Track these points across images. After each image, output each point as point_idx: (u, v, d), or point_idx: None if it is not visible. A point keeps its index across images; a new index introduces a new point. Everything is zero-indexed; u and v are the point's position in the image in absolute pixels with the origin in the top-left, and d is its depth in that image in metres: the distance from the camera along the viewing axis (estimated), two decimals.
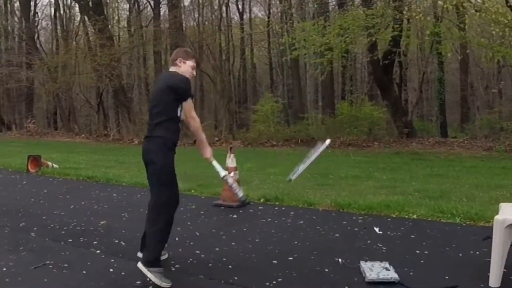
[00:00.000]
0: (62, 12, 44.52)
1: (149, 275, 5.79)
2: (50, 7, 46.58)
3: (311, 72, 32.05)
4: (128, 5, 43.37)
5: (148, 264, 5.86)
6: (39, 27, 46.09)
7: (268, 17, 40.34)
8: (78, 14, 42.95)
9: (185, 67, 6.20)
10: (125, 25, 42.65)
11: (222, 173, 6.31)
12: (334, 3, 29.95)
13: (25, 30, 40.90)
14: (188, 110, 6.06)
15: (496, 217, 5.54)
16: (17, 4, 44.41)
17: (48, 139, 33.01)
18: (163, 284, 5.73)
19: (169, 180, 6.14)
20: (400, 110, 25.18)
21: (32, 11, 42.75)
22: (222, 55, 38.94)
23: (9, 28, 43.69)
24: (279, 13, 36.55)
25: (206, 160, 6.35)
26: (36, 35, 43.18)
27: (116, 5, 44.64)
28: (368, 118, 24.53)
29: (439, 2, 18.03)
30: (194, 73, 6.36)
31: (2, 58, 40.34)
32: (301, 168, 6.44)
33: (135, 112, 35.95)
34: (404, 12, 19.87)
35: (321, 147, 6.56)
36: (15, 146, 25.79)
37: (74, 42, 42.71)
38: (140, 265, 5.91)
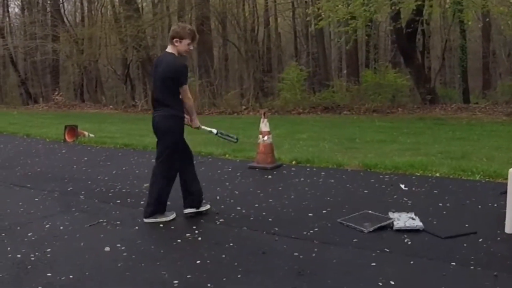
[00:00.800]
0: None
1: (158, 220, 6.90)
2: None
3: (336, 40, 32.25)
4: None
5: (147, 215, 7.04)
6: None
7: None
8: None
9: (181, 46, 6.91)
10: None
11: (214, 130, 7.48)
12: None
13: (50, 2, 41.07)
14: (183, 94, 6.92)
15: (510, 169, 6.05)
16: None
17: (76, 110, 33.22)
18: (170, 217, 6.98)
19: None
20: (423, 77, 25.36)
21: None
22: (247, 25, 39.05)
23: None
24: None
25: (196, 128, 7.41)
26: (61, 7, 43.11)
27: None
28: (392, 85, 24.65)
29: None
30: (191, 47, 7.06)
31: (28, 31, 40.48)
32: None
33: None
34: None
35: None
36: (46, 118, 25.96)
37: (100, 14, 42.91)
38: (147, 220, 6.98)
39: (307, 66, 34.55)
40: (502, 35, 36.40)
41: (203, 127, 7.45)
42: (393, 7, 21.61)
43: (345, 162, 10.47)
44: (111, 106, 34.02)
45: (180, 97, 6.93)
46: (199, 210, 7.26)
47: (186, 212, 7.21)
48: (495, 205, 7.14)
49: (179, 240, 6.25)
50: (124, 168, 11.11)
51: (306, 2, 32.63)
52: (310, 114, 23.51)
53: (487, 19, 28.81)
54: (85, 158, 12.59)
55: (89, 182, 9.69)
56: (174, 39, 6.86)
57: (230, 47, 40.46)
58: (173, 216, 7.04)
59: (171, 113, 6.93)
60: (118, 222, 7.04)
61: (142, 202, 7.93)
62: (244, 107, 26.96)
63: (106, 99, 38.50)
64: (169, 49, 6.97)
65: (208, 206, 7.40)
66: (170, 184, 7.15)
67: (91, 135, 16.51)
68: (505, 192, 6.18)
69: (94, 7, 42.92)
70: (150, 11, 40.39)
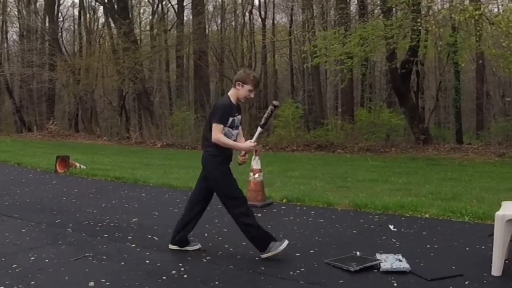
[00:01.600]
0: (87, 14, 44.85)
1: (270, 255, 6.79)
2: (74, 8, 46.87)
3: (331, 79, 32.41)
4: (151, 9, 43.81)
5: (260, 250, 6.89)
6: (62, 28, 46.29)
7: (290, 25, 40.47)
8: (102, 16, 43.34)
9: (242, 91, 6.92)
10: (148, 29, 43.07)
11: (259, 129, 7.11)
12: (355, 12, 30.43)
13: (48, 31, 41.25)
14: (212, 131, 6.85)
15: (497, 213, 6.12)
16: (38, 4, 44.80)
17: (70, 140, 33.32)
18: (282, 246, 6.80)
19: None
20: (417, 117, 25.50)
21: (55, 12, 42.81)
22: (244, 60, 39.29)
23: (33, 27, 43.64)
24: (302, 21, 36.81)
25: (249, 149, 7.08)
26: (59, 36, 43.40)
27: (140, 9, 45.05)
28: (386, 125, 24.82)
29: (453, 15, 18.47)
30: (251, 95, 7.05)
31: (25, 58, 40.54)
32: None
33: (158, 116, 36.33)
34: (421, 23, 20.24)
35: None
36: (39, 147, 26.08)
37: (98, 45, 43.15)
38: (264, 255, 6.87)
39: (303, 103, 34.80)
40: (496, 76, 36.72)
41: (254, 138, 7.17)
42: (388, 47, 21.80)
43: (335, 202, 10.47)
44: (105, 138, 34.09)
45: (232, 134, 7.00)
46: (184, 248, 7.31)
47: (171, 247, 7.25)
48: (483, 247, 7.14)
49: (164, 277, 6.20)
50: (113, 202, 11.10)
51: (303, 40, 32.82)
52: (304, 151, 23.60)
53: (481, 61, 29.03)
54: (75, 190, 12.59)
55: (78, 215, 9.66)
56: (237, 82, 6.92)
57: (227, 82, 40.65)
58: (285, 243, 6.90)
59: (207, 152, 7.03)
60: (104, 257, 6.99)
61: (129, 237, 7.94)
62: None
63: (101, 130, 38.63)
64: (230, 91, 7.06)
65: (198, 246, 7.41)
66: (249, 214, 7.08)
67: (82, 166, 16.54)
68: (493, 235, 6.20)
69: (93, 37, 43.25)
70: (148, 44, 40.69)
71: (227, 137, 6.87)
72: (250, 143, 6.99)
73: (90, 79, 38.05)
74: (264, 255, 6.81)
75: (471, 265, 6.43)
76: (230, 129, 6.92)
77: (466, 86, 37.54)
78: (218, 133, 6.77)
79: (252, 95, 7.06)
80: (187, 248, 7.30)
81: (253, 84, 6.91)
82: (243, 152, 7.08)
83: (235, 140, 7.05)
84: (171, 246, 7.28)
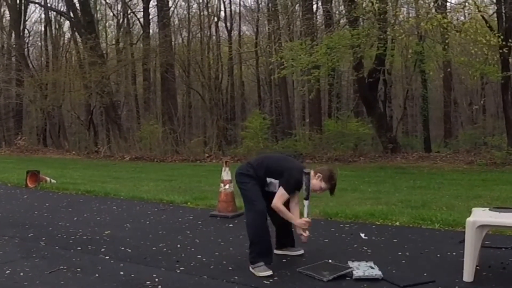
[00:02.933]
0: (52, 29, 44.65)
1: (252, 271, 6.66)
2: (40, 23, 46.67)
3: (299, 89, 32.53)
4: (117, 23, 43.70)
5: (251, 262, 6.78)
6: (29, 43, 46.13)
7: (257, 36, 40.60)
8: (68, 30, 43.17)
9: (317, 183, 6.87)
10: (114, 43, 42.98)
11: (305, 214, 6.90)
12: (321, 22, 30.57)
13: (15, 46, 40.96)
14: (277, 197, 6.83)
15: (468, 219, 6.18)
16: (4, 19, 44.54)
17: (38, 155, 33.17)
18: (264, 273, 6.55)
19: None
20: (385, 126, 25.64)
21: (21, 27, 42.62)
22: (211, 72, 39.31)
23: None
24: (268, 32, 36.91)
25: (300, 226, 6.92)
26: (26, 52, 43.20)
27: (106, 23, 44.96)
28: (354, 134, 24.92)
29: (421, 23, 18.66)
30: (318, 193, 7.06)
31: None
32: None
33: (125, 129, 36.21)
34: (388, 32, 20.40)
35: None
36: (8, 163, 25.95)
37: (64, 59, 42.96)
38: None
39: (270, 114, 34.84)
40: (463, 84, 37.06)
41: (305, 213, 6.93)
42: (355, 56, 21.95)
43: None
44: (73, 152, 33.94)
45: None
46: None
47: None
48: (454, 253, 7.22)
49: None
50: (85, 215, 11.08)
51: (269, 51, 32.93)
52: None
53: (448, 69, 29.27)
54: (47, 204, 12.59)
55: (50, 228, 9.65)
56: (318, 174, 6.88)
57: (194, 94, 40.75)
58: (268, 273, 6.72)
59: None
60: (78, 269, 6.98)
61: (103, 250, 7.95)
62: (207, 154, 27.06)
63: (69, 145, 38.41)
64: (313, 172, 6.95)
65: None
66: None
67: (53, 180, 16.48)
68: (464, 241, 6.26)
69: (59, 52, 43.03)
70: (114, 57, 40.55)
71: (272, 186, 6.94)
72: (303, 220, 6.87)
73: (57, 94, 37.91)
74: (250, 267, 6.78)
75: (443, 271, 6.50)
76: (277, 185, 6.93)
77: (434, 94, 37.85)
78: (280, 201, 6.77)
79: (318, 193, 7.07)
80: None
81: (329, 186, 6.88)
82: (300, 231, 6.97)
83: (272, 192, 6.99)
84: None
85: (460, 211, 9.71)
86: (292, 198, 6.98)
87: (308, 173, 6.78)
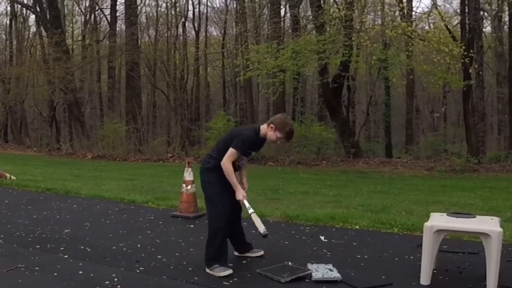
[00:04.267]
0: (18, 22, 44.10)
1: (211, 272, 6.66)
2: (6, 17, 45.93)
3: (264, 92, 32.58)
4: (83, 19, 43.44)
5: (206, 264, 6.82)
6: None
7: (224, 38, 40.66)
8: (33, 25, 42.75)
9: (272, 134, 6.88)
10: (80, 39, 42.71)
11: (250, 210, 6.86)
12: (288, 26, 30.69)
13: None
14: (225, 156, 6.82)
15: (426, 223, 6.28)
16: None
17: None
18: (224, 273, 6.58)
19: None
20: (348, 131, 25.79)
21: None
22: (176, 72, 39.24)
23: None
24: (235, 35, 36.94)
25: (238, 196, 6.89)
26: None
27: (73, 19, 44.60)
28: (317, 138, 25.02)
29: (386, 31, 18.85)
30: (278, 142, 7.07)
31: None
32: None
33: (89, 127, 35.99)
34: (353, 39, 20.54)
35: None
36: None
37: (29, 54, 42.57)
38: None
39: (235, 116, 34.86)
40: (425, 92, 37.50)
41: (245, 202, 6.94)
42: (320, 62, 22.08)
43: (267, 213, 10.49)
44: (35, 149, 33.55)
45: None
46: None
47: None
48: (412, 257, 7.31)
49: None
50: (45, 213, 10.98)
51: (236, 53, 32.97)
52: None
53: (411, 77, 29.60)
54: (6, 201, 12.42)
55: (9, 226, 9.54)
56: (271, 124, 6.88)
57: (159, 94, 40.61)
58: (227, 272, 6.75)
59: (205, 166, 7.18)
60: (37, 268, 6.93)
61: (62, 248, 7.90)
62: (170, 154, 26.98)
63: (31, 141, 37.99)
64: (263, 126, 7.02)
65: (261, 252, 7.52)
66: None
67: (13, 177, 16.23)
68: (421, 245, 6.36)
69: (24, 46, 42.55)
70: (79, 54, 40.26)
71: (237, 160, 6.90)
72: (244, 192, 6.91)
73: (20, 89, 37.40)
74: (207, 270, 6.80)
75: (401, 274, 6.60)
76: (244, 157, 7.02)
77: (396, 101, 38.20)
78: (229, 161, 6.77)
79: (278, 143, 7.09)
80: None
81: (284, 135, 6.88)
82: (239, 196, 6.93)
83: (239, 167, 7.09)
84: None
85: (419, 216, 9.80)
86: (244, 166, 7.20)
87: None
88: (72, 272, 6.75)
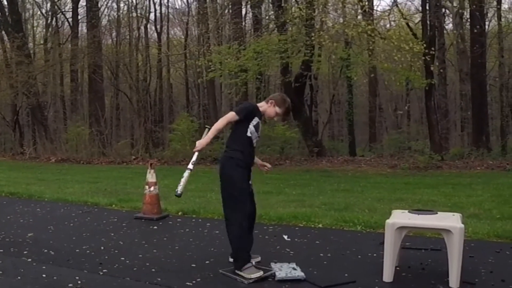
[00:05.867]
0: None
1: (241, 273, 6.49)
2: None
3: (227, 92, 32.60)
4: (45, 22, 43.13)
5: (236, 267, 6.66)
6: None
7: (186, 39, 40.60)
8: None
9: (272, 110, 7.02)
10: (42, 42, 42.40)
11: (190, 166, 6.88)
12: (250, 27, 30.74)
13: None
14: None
15: (387, 221, 6.33)
16: None
17: None
18: (254, 275, 6.39)
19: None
20: (311, 130, 25.91)
21: None
22: (139, 74, 39.14)
23: None
24: (197, 36, 36.89)
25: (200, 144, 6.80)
26: None
27: (34, 22, 44.26)
28: (280, 138, 25.11)
29: (346, 30, 18.97)
30: (276, 119, 7.29)
31: None
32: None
33: (52, 130, 35.75)
34: (314, 38, 20.61)
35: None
36: None
37: None
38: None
39: (198, 117, 34.84)
40: (388, 90, 37.76)
41: (195, 155, 7.02)
42: (282, 61, 22.16)
43: None
44: None
45: (253, 138, 6.90)
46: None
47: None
48: (375, 254, 7.38)
49: None
50: (8, 217, 10.93)
51: (198, 54, 32.93)
52: (199, 165, 23.59)
53: (373, 75, 29.79)
54: None
55: None
56: (270, 100, 7.04)
57: (122, 96, 40.44)
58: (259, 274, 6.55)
59: (226, 153, 6.99)
60: (0, 272, 6.89)
61: (25, 252, 7.86)
62: (133, 157, 26.94)
63: None
64: (261, 103, 7.15)
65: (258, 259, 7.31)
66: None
67: None
68: (384, 243, 6.41)
69: None
70: (42, 57, 39.95)
71: (251, 136, 6.82)
72: (201, 143, 6.80)
73: None
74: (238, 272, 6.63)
75: (363, 272, 6.64)
76: (255, 131, 6.86)
77: (359, 99, 38.48)
78: (225, 119, 6.75)
79: (276, 119, 7.31)
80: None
81: (283, 110, 7.07)
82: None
83: (253, 149, 7.02)
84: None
85: (382, 214, 9.87)
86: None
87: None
88: (35, 276, 6.72)
